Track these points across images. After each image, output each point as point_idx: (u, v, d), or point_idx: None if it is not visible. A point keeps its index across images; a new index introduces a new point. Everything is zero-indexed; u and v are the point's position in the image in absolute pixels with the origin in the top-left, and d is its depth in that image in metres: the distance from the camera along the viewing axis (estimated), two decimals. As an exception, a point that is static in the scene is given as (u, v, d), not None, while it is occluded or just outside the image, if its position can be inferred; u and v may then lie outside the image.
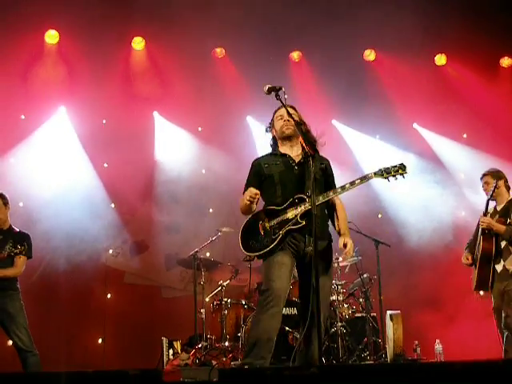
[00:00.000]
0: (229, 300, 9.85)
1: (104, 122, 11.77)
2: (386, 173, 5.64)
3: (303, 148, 6.08)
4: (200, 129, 12.14)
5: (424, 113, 12.34)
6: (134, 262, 11.85)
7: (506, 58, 12.73)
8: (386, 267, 10.06)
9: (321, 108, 11.98)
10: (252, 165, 6.35)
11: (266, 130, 6.52)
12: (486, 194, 7.90)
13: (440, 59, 12.70)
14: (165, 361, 9.58)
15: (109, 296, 11.41)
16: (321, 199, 5.78)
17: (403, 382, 3.93)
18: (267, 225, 5.95)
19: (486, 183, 7.96)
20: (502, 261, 7.47)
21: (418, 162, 12.23)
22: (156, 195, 12.17)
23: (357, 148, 12.64)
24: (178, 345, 9.81)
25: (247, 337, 5.61)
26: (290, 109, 6.07)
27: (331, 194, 5.81)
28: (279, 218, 5.92)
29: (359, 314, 10.03)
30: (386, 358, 9.47)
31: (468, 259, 7.88)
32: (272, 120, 6.43)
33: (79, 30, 11.09)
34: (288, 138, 6.25)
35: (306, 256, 5.80)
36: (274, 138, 6.43)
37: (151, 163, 11.72)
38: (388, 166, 5.69)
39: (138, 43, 11.84)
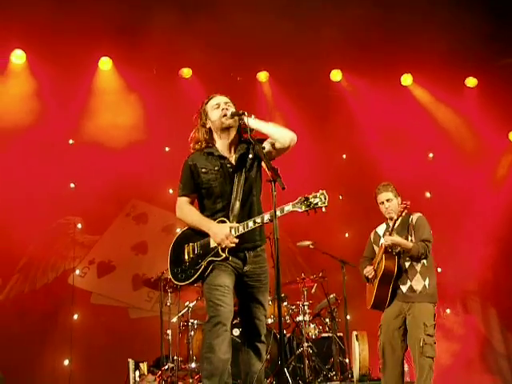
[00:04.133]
0: (195, 321, 9.84)
1: (71, 142, 11.76)
2: (305, 205, 5.29)
3: (240, 136, 5.77)
4: (167, 149, 12.11)
5: (390, 132, 12.38)
6: (100, 283, 11.77)
7: (470, 77, 12.85)
8: (352, 287, 10.03)
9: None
10: (186, 164, 5.74)
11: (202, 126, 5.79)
12: (387, 213, 7.52)
13: (406, 79, 12.80)
14: (131, 382, 9.52)
15: (75, 317, 11.29)
16: (241, 230, 5.45)
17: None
18: (193, 250, 5.61)
19: (388, 200, 7.52)
20: (408, 281, 7.28)
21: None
22: (124, 216, 12.18)
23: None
24: (144, 366, 9.75)
25: (202, 361, 5.43)
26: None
27: (251, 224, 5.44)
28: (203, 245, 5.57)
29: (325, 334, 10.05)
30: (353, 378, 9.48)
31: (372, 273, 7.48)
32: (202, 113, 5.78)
33: (45, 50, 11.07)
34: (227, 129, 5.69)
35: (245, 275, 5.60)
36: (209, 132, 5.75)
37: (120, 183, 11.62)
38: (309, 196, 5.32)
39: (105, 63, 11.82)
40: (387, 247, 7.29)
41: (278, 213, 5.31)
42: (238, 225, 5.48)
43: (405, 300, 7.28)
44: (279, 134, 5.64)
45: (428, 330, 7.16)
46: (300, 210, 5.32)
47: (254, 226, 5.46)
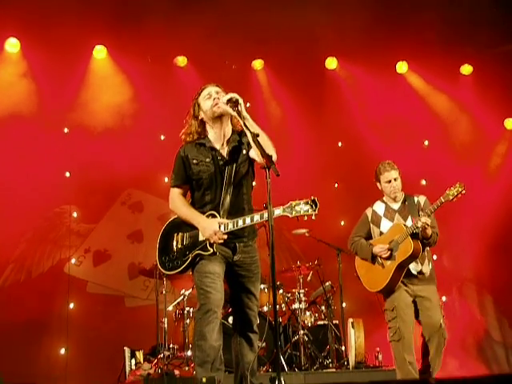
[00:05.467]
0: (191, 309, 9.81)
1: (66, 130, 11.74)
2: (295, 211, 5.23)
3: (232, 127, 5.81)
4: (163, 137, 12.10)
5: (385, 120, 12.38)
6: (96, 272, 11.77)
7: (466, 65, 12.85)
8: (347, 275, 10.00)
9: (283, 116, 12.10)
10: (179, 156, 5.80)
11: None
12: (393, 192, 7.32)
13: (401, 67, 12.79)
14: (127, 371, 9.53)
15: (71, 306, 11.29)
16: (230, 227, 5.47)
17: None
18: (181, 240, 5.65)
19: (396, 179, 7.33)
20: (419, 264, 7.18)
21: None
22: (119, 204, 12.17)
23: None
24: (140, 354, 9.75)
25: (195, 349, 5.49)
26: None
27: (241, 223, 5.46)
28: (192, 236, 5.61)
29: (321, 322, 10.04)
30: (348, 366, 9.51)
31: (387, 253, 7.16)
32: (195, 104, 5.78)
33: (40, 39, 11.05)
34: (220, 118, 5.68)
35: (235, 265, 5.64)
36: (202, 123, 5.75)
37: (116, 172, 11.59)
38: (300, 201, 5.26)
39: (100, 52, 11.79)
40: (421, 227, 6.94)
41: (267, 215, 5.21)
42: (227, 221, 5.50)
43: (414, 283, 7.19)
44: (263, 143, 5.39)
45: (442, 312, 7.18)
46: (290, 216, 5.29)
47: (243, 226, 5.48)
